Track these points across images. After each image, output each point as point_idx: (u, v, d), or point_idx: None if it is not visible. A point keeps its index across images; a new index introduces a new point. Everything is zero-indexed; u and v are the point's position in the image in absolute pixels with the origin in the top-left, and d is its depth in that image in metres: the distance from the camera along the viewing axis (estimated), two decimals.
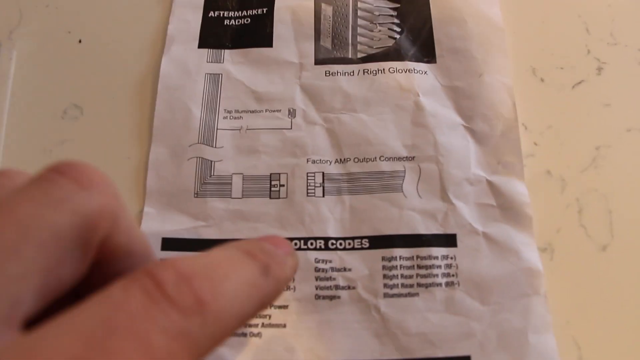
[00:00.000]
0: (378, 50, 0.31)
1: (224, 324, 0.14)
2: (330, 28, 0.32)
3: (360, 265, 0.26)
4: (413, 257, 0.26)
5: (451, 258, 0.26)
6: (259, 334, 0.25)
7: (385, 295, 0.26)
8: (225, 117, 0.30)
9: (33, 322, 0.13)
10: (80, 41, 0.33)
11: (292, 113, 0.30)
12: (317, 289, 0.26)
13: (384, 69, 0.30)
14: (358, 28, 0.32)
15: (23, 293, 0.13)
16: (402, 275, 0.26)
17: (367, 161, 0.28)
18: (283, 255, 0.18)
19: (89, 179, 0.14)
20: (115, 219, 0.15)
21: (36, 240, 0.13)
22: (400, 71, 0.30)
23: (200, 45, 0.32)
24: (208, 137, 0.29)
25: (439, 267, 0.26)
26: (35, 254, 0.13)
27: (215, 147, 0.29)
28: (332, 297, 0.26)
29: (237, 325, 0.15)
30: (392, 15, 0.32)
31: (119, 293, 0.13)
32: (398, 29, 0.32)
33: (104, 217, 0.15)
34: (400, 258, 0.26)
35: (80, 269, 0.15)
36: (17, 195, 0.14)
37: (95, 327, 0.12)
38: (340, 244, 0.27)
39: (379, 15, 0.32)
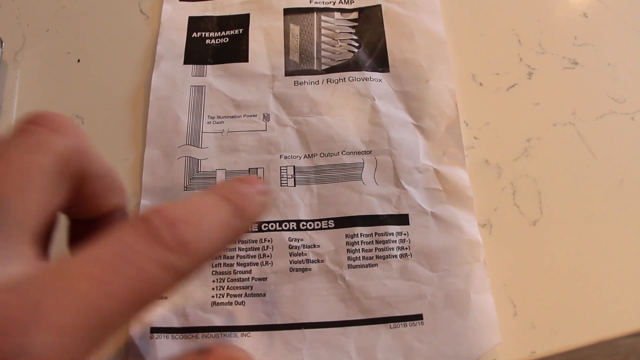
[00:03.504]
0: (339, 63, 0.35)
1: (201, 258, 0.18)
2: (298, 44, 0.36)
3: (327, 242, 0.30)
4: (372, 234, 0.30)
5: (404, 234, 0.30)
6: (242, 302, 0.29)
7: (349, 266, 0.29)
8: (209, 122, 0.33)
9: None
10: (79, 61, 0.36)
11: (266, 117, 0.33)
12: (291, 263, 0.29)
13: (344, 78, 0.34)
14: (322, 44, 0.36)
15: (32, 221, 0.17)
16: (363, 250, 0.30)
17: (331, 155, 0.32)
18: (255, 194, 0.21)
19: (57, 124, 0.18)
20: (84, 153, 0.19)
21: (31, 180, 0.17)
22: (358, 80, 0.34)
23: (186, 62, 0.35)
24: (195, 139, 0.33)
25: (394, 242, 0.30)
26: (33, 190, 0.17)
27: (201, 147, 0.32)
28: (304, 270, 0.29)
29: (211, 258, 0.19)
30: (351, 32, 0.36)
31: (125, 235, 0.16)
32: (356, 44, 0.36)
33: (73, 151, 0.18)
34: (361, 235, 0.30)
35: (64, 193, 0.18)
36: (8, 146, 0.17)
37: (109, 258, 0.15)
38: (310, 225, 0.30)
39: (340, 32, 0.36)
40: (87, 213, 0.21)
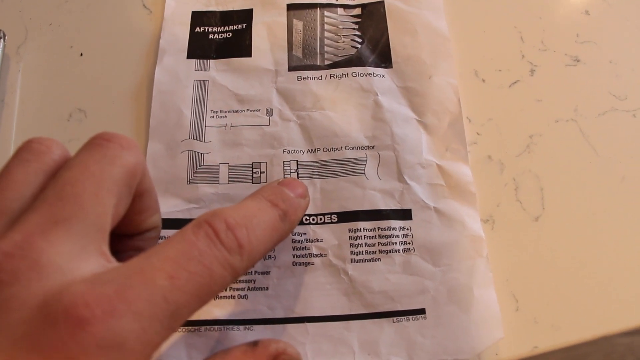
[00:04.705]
0: (342, 58, 0.35)
1: (254, 258, 0.20)
2: (301, 40, 0.36)
3: (330, 236, 0.30)
4: (375, 228, 0.30)
5: (407, 229, 0.30)
6: (245, 296, 0.29)
7: (352, 260, 0.29)
8: (212, 117, 0.33)
9: None
10: (81, 54, 0.36)
11: (269, 112, 0.33)
12: (294, 257, 0.29)
13: (347, 74, 0.34)
14: (325, 39, 0.36)
15: (107, 224, 0.19)
16: (366, 244, 0.30)
17: (334, 150, 0.32)
18: (297, 199, 0.24)
19: (127, 143, 0.20)
20: (143, 169, 0.21)
21: (106, 188, 0.19)
22: (361, 75, 0.34)
23: (189, 56, 0.35)
24: (198, 134, 0.33)
25: (397, 236, 0.30)
26: (107, 196, 0.19)
27: (204, 141, 0.32)
28: (307, 264, 0.29)
29: (261, 257, 0.22)
30: (354, 28, 0.36)
31: (192, 235, 0.19)
32: (359, 40, 0.36)
33: (138, 167, 0.20)
34: (364, 230, 0.30)
35: (127, 204, 0.20)
36: (84, 157, 0.19)
37: (179, 256, 0.18)
38: (313, 220, 0.30)
39: (343, 28, 0.36)
40: (129, 229, 0.23)
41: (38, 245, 0.17)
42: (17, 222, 0.17)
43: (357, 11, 0.37)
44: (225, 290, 0.29)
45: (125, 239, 0.24)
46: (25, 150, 0.20)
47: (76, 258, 0.17)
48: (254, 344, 0.22)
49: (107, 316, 0.15)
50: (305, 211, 0.26)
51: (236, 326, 0.28)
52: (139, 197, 0.22)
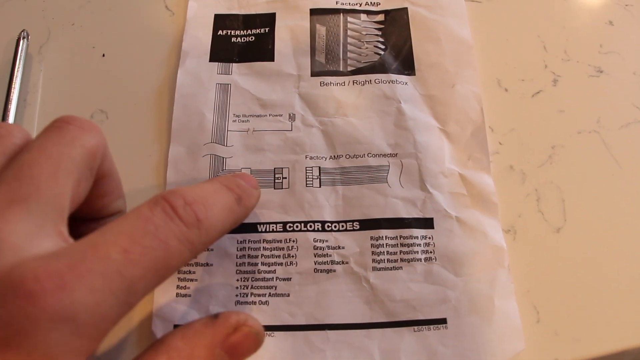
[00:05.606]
0: (365, 64, 0.35)
1: (211, 235, 0.21)
2: (324, 45, 0.36)
3: (352, 244, 0.30)
4: (397, 237, 0.30)
5: (429, 238, 0.30)
6: (266, 302, 0.29)
7: (374, 268, 0.29)
8: (234, 121, 0.33)
9: None
10: (103, 55, 0.36)
11: (292, 117, 0.33)
12: (315, 264, 0.29)
13: (370, 80, 0.34)
14: (348, 45, 0.36)
15: (65, 205, 0.19)
16: (387, 252, 0.29)
17: (356, 157, 0.32)
18: (251, 188, 0.25)
19: (87, 125, 0.20)
20: (104, 152, 0.21)
21: (65, 169, 0.19)
22: (384, 82, 0.34)
23: (211, 59, 0.35)
24: (220, 137, 0.33)
25: (419, 245, 0.30)
26: (65, 177, 0.19)
27: (227, 145, 0.32)
28: (328, 271, 0.29)
29: (218, 237, 0.22)
30: (377, 35, 0.36)
31: (148, 211, 0.19)
32: (382, 47, 0.36)
33: (99, 149, 0.20)
34: (386, 238, 0.30)
35: (88, 186, 0.21)
36: (43, 139, 0.19)
37: (134, 231, 0.18)
38: (335, 227, 0.30)
39: (366, 34, 0.36)
40: (92, 212, 0.23)
41: None
42: None
43: (381, 17, 0.37)
44: (246, 296, 0.29)
45: (89, 223, 0.24)
46: None
47: (32, 237, 0.17)
48: (215, 316, 0.22)
49: (58, 290, 0.15)
50: (257, 201, 0.26)
51: None
52: (100, 179, 0.22)
